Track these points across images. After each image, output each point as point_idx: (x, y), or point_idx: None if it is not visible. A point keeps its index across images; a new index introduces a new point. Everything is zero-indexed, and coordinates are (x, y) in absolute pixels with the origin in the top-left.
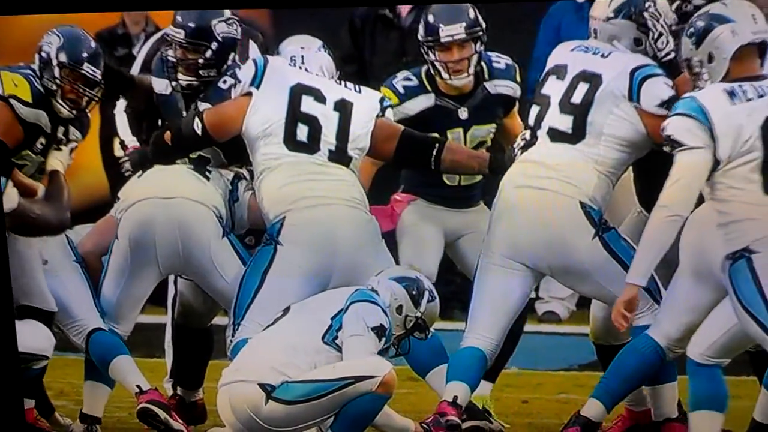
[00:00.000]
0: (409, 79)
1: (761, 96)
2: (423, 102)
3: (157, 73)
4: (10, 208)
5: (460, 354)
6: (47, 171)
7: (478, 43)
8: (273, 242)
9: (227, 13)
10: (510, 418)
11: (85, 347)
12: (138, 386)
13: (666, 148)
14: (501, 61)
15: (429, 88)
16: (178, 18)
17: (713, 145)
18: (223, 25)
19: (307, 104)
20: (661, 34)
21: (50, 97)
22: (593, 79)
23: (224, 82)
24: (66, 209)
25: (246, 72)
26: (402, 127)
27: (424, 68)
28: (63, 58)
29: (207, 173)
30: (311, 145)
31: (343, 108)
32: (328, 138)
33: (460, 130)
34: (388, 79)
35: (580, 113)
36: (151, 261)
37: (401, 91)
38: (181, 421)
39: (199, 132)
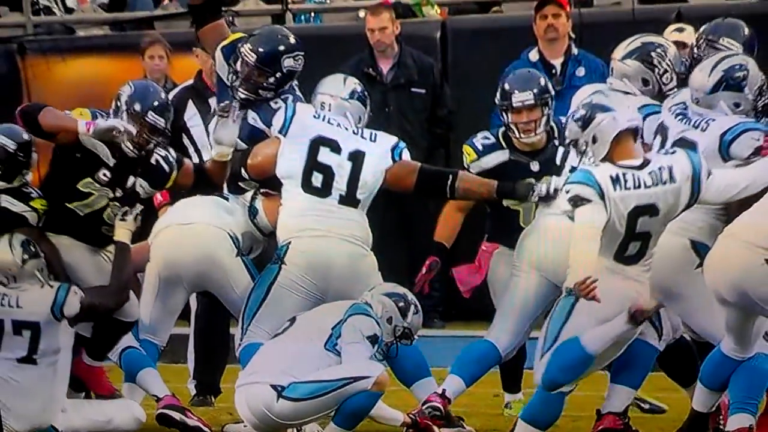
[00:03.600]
0: (487, 138)
1: (637, 187)
2: (498, 157)
3: (227, 56)
4: (73, 313)
5: (472, 346)
6: (115, 239)
7: (546, 107)
8: (279, 262)
9: (292, 40)
10: (483, 409)
11: (118, 362)
12: (155, 395)
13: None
14: None
15: (504, 145)
16: (254, 39)
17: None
18: (291, 60)
19: (324, 155)
20: (666, 71)
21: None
22: None
23: (276, 102)
24: (126, 287)
25: (277, 119)
26: (419, 163)
27: (501, 128)
28: (131, 106)
29: (226, 198)
30: (324, 191)
31: (356, 158)
32: (340, 185)
33: (532, 180)
34: (470, 138)
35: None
36: (178, 281)
37: (479, 148)
38: (196, 417)
39: (246, 177)
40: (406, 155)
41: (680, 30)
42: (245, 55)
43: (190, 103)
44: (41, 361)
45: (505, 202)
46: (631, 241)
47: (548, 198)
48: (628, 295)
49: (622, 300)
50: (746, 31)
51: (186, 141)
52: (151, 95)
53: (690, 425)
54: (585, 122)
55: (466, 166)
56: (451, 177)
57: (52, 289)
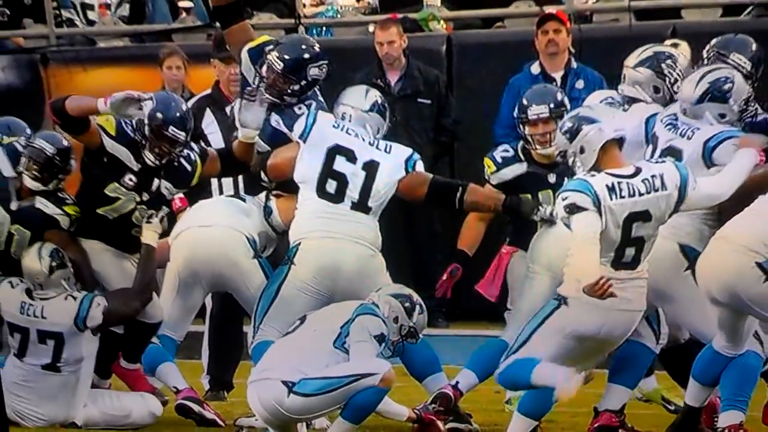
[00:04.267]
0: (507, 151)
1: (632, 195)
2: (516, 169)
3: (254, 59)
4: (95, 325)
5: (487, 344)
6: (141, 241)
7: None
8: (288, 262)
9: (318, 49)
10: (485, 405)
11: None
12: (175, 387)
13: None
14: None
15: (522, 158)
16: (281, 47)
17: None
18: (316, 69)
19: (340, 163)
20: (676, 80)
21: (139, 146)
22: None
23: (299, 108)
24: (149, 288)
25: (298, 125)
26: (431, 175)
27: (520, 142)
28: (152, 121)
29: (243, 200)
30: (337, 197)
31: (370, 168)
32: (352, 193)
33: (549, 191)
34: (490, 151)
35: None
36: (196, 280)
37: (499, 160)
38: (213, 411)
39: (265, 179)
40: (419, 167)
41: (675, 45)
42: (272, 63)
43: (208, 111)
44: (64, 369)
45: None
46: (627, 246)
47: (550, 219)
48: (612, 309)
49: (606, 313)
50: (755, 47)
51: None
52: (171, 109)
53: (683, 420)
54: (572, 134)
55: (486, 178)
56: (460, 190)
57: (75, 301)
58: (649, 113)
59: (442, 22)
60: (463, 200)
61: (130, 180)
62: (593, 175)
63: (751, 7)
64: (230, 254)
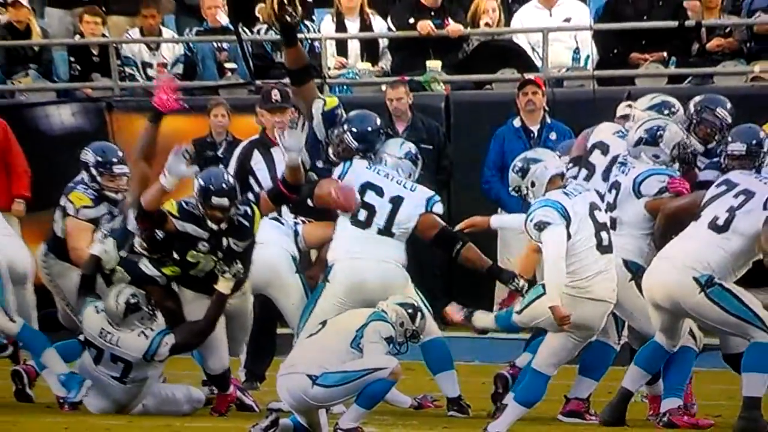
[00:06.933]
0: None
1: (580, 193)
2: None
3: (327, 121)
4: (161, 359)
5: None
6: (216, 288)
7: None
8: (325, 280)
9: (384, 129)
10: (473, 394)
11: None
12: None
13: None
14: None
15: None
16: (357, 125)
17: (568, 224)
18: (380, 144)
19: (370, 196)
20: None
21: (199, 216)
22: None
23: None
24: (210, 330)
25: (338, 168)
26: (444, 224)
27: None
28: (200, 195)
29: (282, 223)
30: (366, 224)
31: (396, 202)
32: (379, 221)
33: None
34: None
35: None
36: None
37: None
38: (252, 398)
39: (311, 204)
40: (437, 208)
41: (629, 106)
42: (348, 141)
43: (256, 152)
44: (130, 384)
45: None
46: (601, 231)
47: (520, 291)
48: (588, 301)
49: (582, 303)
50: (729, 104)
51: (252, 181)
52: (214, 183)
53: (618, 400)
54: (523, 172)
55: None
56: (460, 245)
57: (147, 340)
58: None
59: (441, 84)
60: (460, 253)
61: (203, 246)
62: (545, 195)
63: (690, 78)
64: (279, 270)
